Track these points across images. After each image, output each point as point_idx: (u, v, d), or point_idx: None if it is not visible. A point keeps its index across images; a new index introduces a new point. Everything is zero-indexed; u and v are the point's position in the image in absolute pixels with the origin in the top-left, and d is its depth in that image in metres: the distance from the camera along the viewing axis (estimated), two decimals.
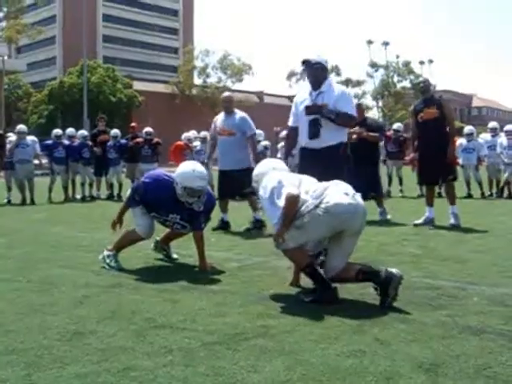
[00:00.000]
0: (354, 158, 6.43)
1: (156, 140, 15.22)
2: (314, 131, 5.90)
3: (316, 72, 5.98)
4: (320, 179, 4.91)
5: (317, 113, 5.87)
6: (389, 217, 9.39)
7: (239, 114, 8.74)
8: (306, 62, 5.96)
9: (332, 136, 5.93)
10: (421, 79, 9.50)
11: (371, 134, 8.93)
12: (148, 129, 15.45)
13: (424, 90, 8.79)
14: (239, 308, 4.18)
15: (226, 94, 9.27)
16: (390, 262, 5.84)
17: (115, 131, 15.45)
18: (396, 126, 15.98)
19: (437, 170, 8.46)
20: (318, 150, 5.92)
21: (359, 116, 8.16)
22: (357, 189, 5.63)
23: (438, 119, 8.48)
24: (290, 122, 6.35)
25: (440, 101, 8.71)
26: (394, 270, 4.20)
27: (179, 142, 15.57)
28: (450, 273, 5.31)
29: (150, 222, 5.88)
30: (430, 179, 8.74)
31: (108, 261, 5.75)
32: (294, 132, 6.33)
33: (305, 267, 4.46)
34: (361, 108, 9.15)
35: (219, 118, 8.81)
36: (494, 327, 3.68)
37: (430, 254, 6.28)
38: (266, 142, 16.51)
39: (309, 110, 5.92)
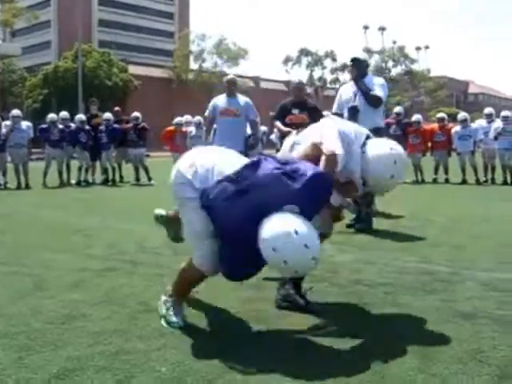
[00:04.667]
0: None
1: (142, 125, 15.25)
2: (353, 116, 6.91)
3: (362, 67, 7.19)
4: None
5: (359, 81, 7.04)
6: None
7: (242, 98, 8.79)
8: (355, 60, 7.21)
9: (368, 121, 6.66)
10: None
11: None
12: (135, 113, 15.50)
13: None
14: (233, 293, 4.17)
15: (230, 76, 9.29)
16: (385, 247, 5.86)
17: (107, 115, 15.40)
18: (397, 109, 15.75)
19: None
20: None
21: (298, 96, 8.58)
22: None
23: None
24: (334, 109, 7.43)
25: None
26: None
27: (169, 128, 15.56)
28: (444, 258, 5.32)
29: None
30: None
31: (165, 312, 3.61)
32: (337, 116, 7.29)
33: None
34: (301, 87, 8.97)
35: (220, 100, 8.78)
36: (488, 312, 3.68)
37: (424, 240, 6.29)
38: (264, 128, 16.54)
39: (355, 79, 7.09)
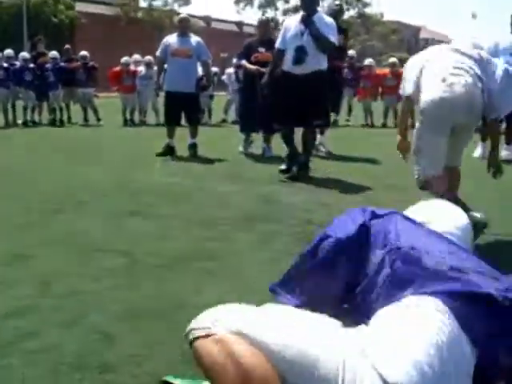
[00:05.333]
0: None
1: (91, 64, 14.91)
2: (300, 57, 6.39)
3: (311, 2, 6.61)
4: (302, 104, 6.35)
5: (308, 24, 6.41)
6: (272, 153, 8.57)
7: (194, 37, 8.65)
8: None
9: (315, 63, 6.45)
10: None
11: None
12: (83, 52, 15.13)
13: None
14: (184, 232, 4.19)
15: (183, 15, 9.11)
16: (334, 189, 5.94)
17: (54, 53, 14.95)
18: (350, 52, 15.58)
19: None
20: (302, 75, 6.39)
21: (264, 34, 8.58)
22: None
23: None
24: (277, 44, 6.74)
25: None
26: (478, 216, 3.89)
27: (116, 68, 15.25)
28: (392, 199, 5.38)
29: None
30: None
31: None
32: (279, 53, 6.70)
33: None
34: (267, 25, 8.95)
35: (172, 40, 8.59)
36: None
37: (373, 182, 6.35)
38: (215, 69, 16.33)
39: (304, 19, 6.49)
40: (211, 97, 15.46)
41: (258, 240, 4.01)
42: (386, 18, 70.87)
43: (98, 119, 14.50)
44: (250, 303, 2.85)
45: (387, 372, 1.39)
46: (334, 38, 6.54)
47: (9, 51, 14.73)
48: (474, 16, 67.25)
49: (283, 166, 6.81)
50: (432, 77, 3.86)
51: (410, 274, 1.65)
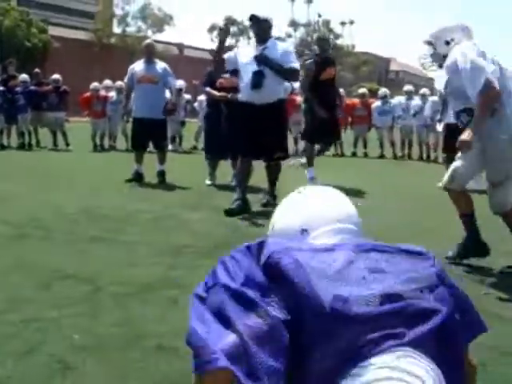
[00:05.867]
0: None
1: (63, 88, 14.85)
2: (258, 81, 6.08)
3: (263, 28, 6.28)
4: (261, 137, 6.06)
5: (264, 62, 6.07)
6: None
7: (160, 64, 8.65)
8: (253, 18, 6.28)
9: (274, 90, 6.21)
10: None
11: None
12: (55, 76, 15.04)
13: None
14: (150, 259, 4.15)
15: (149, 41, 9.13)
16: None
17: (24, 77, 14.84)
18: None
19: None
20: (260, 106, 6.13)
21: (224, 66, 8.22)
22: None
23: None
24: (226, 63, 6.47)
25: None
26: None
27: (86, 94, 15.19)
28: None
29: None
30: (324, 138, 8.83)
31: None
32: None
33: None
34: (231, 50, 9.02)
35: (138, 66, 8.60)
36: None
37: None
38: (187, 96, 16.37)
39: (257, 58, 6.10)
40: (182, 123, 15.47)
41: None
42: (358, 49, 71.98)
43: (67, 144, 14.38)
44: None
45: None
46: (295, 63, 6.26)
47: None
48: None
49: (232, 206, 6.06)
50: None
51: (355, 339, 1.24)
